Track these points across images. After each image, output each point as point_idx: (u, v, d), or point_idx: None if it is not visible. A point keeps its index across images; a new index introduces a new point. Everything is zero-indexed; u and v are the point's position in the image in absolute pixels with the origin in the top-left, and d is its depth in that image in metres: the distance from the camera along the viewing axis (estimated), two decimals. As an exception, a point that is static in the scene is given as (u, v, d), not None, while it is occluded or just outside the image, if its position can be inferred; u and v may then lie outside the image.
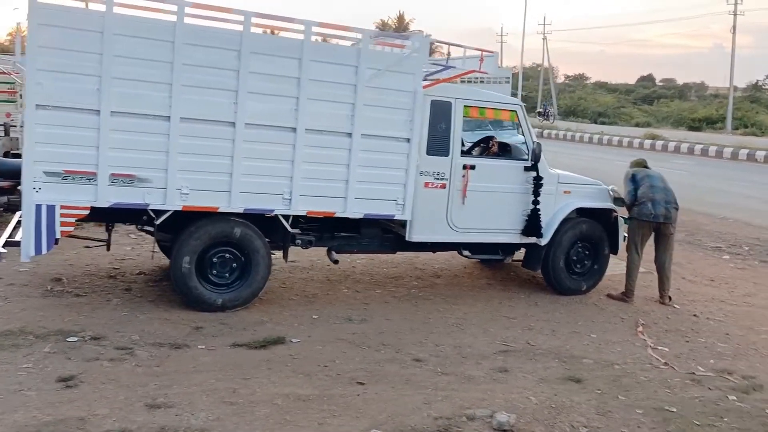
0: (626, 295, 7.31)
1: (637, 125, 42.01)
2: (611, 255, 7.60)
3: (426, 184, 6.61)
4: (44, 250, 5.34)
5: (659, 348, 5.88)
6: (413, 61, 6.25)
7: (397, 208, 6.40)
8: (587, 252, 7.49)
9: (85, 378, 4.36)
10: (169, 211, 5.70)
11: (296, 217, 6.36)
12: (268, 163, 5.89)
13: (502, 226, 7.02)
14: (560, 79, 72.63)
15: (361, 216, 6.33)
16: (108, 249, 6.43)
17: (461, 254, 7.13)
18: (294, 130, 5.90)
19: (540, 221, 7.06)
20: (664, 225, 7.11)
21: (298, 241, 6.46)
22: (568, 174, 7.59)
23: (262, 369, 4.70)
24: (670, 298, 7.34)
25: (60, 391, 4.18)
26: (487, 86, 17.89)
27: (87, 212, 5.42)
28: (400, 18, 77.87)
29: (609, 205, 7.40)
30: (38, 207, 5.26)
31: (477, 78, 17.97)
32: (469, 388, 4.66)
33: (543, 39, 58.79)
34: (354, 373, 4.76)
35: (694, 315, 7.00)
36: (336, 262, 6.83)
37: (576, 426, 4.20)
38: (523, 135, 7.07)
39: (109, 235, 6.37)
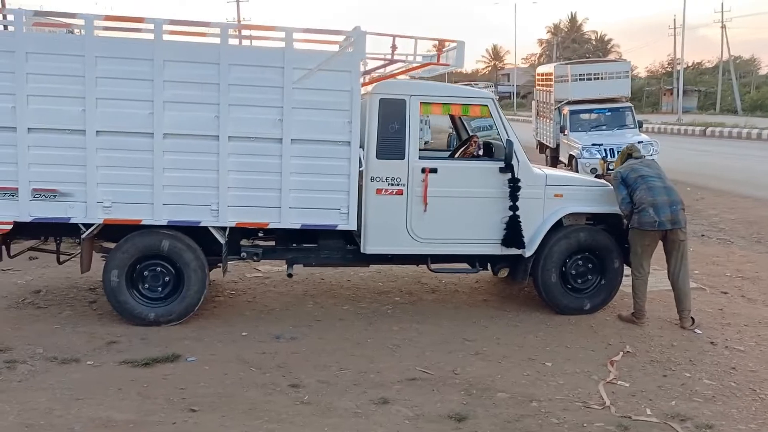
0: (636, 316, 6.16)
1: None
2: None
3: (378, 191, 6.05)
4: (-27, 263, 5.58)
5: (619, 383, 4.82)
6: (348, 58, 5.77)
7: (341, 218, 5.92)
8: (590, 265, 6.43)
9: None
10: (94, 224, 5.71)
11: (249, 230, 6.12)
12: (191, 174, 5.71)
13: (475, 236, 6.23)
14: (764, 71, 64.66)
15: (298, 227, 5.92)
16: (59, 262, 6.57)
17: (429, 268, 6.42)
18: (216, 137, 5.67)
19: (520, 229, 6.17)
20: (671, 231, 5.89)
21: (244, 254, 6.21)
22: (562, 174, 6.62)
23: (110, 389, 4.48)
24: (692, 320, 6.06)
25: None
26: (605, 82, 16.58)
27: (10, 227, 5.58)
28: (573, 19, 75.07)
29: (612, 209, 6.29)
30: (-37, 223, 5.51)
31: (594, 74, 16.77)
32: (310, 422, 4.09)
33: (722, 28, 53.45)
34: (202, 398, 4.38)
35: (711, 342, 5.71)
36: (290, 275, 6.47)
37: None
38: (497, 131, 6.23)
39: (58, 248, 6.50)
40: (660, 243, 6.04)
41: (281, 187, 5.79)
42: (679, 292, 6.07)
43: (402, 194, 6.07)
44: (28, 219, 5.58)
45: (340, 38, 5.96)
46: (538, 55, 74.16)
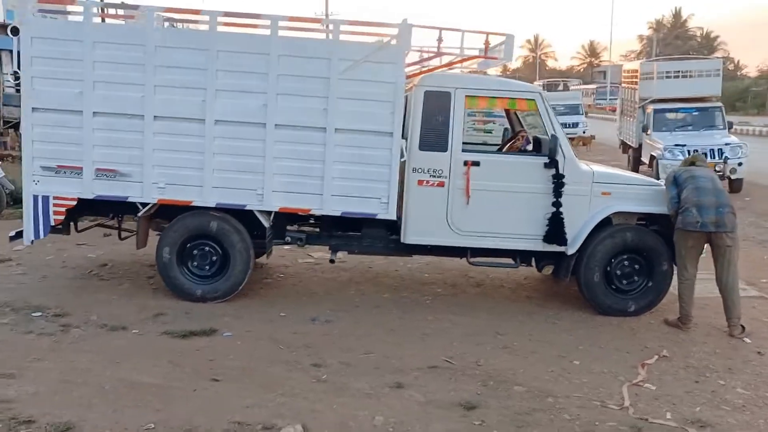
0: (681, 321, 5.95)
1: None
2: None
3: (420, 182, 6.12)
4: (41, 235, 6.07)
5: (646, 386, 4.71)
6: (393, 51, 5.87)
7: (381, 207, 6.04)
8: (637, 266, 6.26)
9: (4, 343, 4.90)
10: (149, 204, 6.09)
11: (295, 215, 6.34)
12: (239, 159, 5.98)
13: (516, 231, 6.19)
14: None
15: (338, 214, 6.09)
16: (120, 239, 7.00)
17: (468, 261, 6.43)
18: (264, 125, 5.91)
19: (563, 226, 6.10)
20: (716, 235, 5.65)
21: (288, 238, 6.43)
22: (611, 172, 6.45)
23: (146, 356, 4.80)
24: (743, 327, 5.80)
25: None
26: (693, 80, 15.88)
27: (74, 203, 6.03)
28: (677, 14, 71.86)
29: (662, 209, 6.09)
30: (35, 197, 6.00)
31: (681, 71, 16.07)
32: (321, 399, 4.24)
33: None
34: (226, 370, 4.62)
35: (759, 352, 5.45)
36: (332, 261, 6.65)
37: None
38: (543, 126, 6.16)
39: (119, 225, 6.92)
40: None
41: (324, 175, 5.97)
42: (727, 300, 5.81)
43: (443, 186, 6.12)
44: (91, 196, 6.01)
45: (388, 30, 6.04)
46: (637, 52, 71.41)
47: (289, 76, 5.86)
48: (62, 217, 6.05)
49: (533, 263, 6.60)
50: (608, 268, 6.24)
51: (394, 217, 6.09)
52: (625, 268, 6.26)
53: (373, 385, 4.49)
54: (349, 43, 5.97)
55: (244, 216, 6.16)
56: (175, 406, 4.03)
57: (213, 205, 6.03)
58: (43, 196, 5.99)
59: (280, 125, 5.92)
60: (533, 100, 6.15)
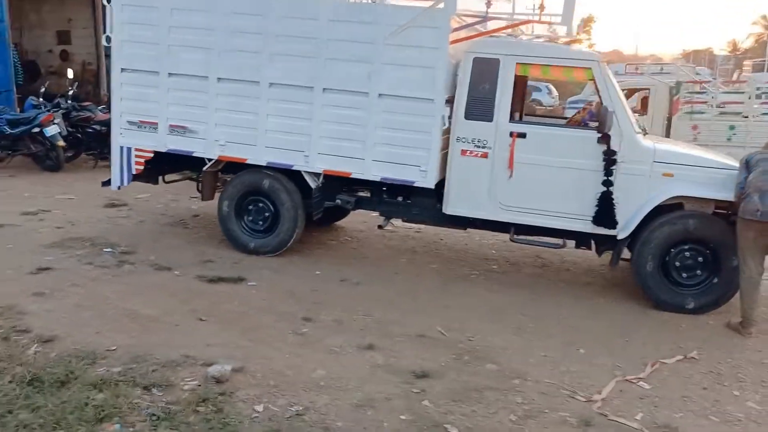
0: (742, 325, 5.23)
1: None
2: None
3: (463, 152, 5.96)
4: (125, 183, 6.84)
5: (640, 383, 4.24)
6: (437, 14, 5.73)
7: (420, 174, 5.99)
8: (701, 259, 5.57)
9: (56, 270, 5.66)
10: (212, 159, 6.59)
11: (348, 179, 6.50)
12: (288, 121, 6.24)
13: (563, 210, 5.80)
14: None
15: (378, 179, 6.13)
16: (198, 191, 7.53)
17: (511, 239, 6.13)
18: (312, 89, 6.11)
19: (613, 208, 5.62)
20: (781, 228, 4.85)
21: (338, 201, 6.59)
22: (677, 150, 5.74)
23: (163, 293, 5.26)
24: (815, 340, 4.97)
25: (32, 274, 5.54)
26: None
27: (152, 155, 6.69)
28: None
29: (730, 196, 5.34)
30: (121, 148, 6.77)
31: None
32: (281, 348, 4.38)
33: None
34: (220, 313, 4.94)
35: (818, 370, 4.64)
36: (380, 227, 6.71)
37: (292, 405, 3.64)
38: (600, 97, 5.67)
39: (198, 180, 7.45)
40: None
41: (365, 140, 6.04)
42: (796, 304, 4.99)
43: (487, 157, 5.90)
44: (164, 149, 6.64)
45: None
46: None
47: (337, 41, 5.98)
48: (141, 167, 6.76)
49: (593, 247, 6.15)
50: (666, 259, 5.63)
51: (433, 186, 6.00)
52: (686, 260, 5.60)
53: (343, 344, 4.54)
54: (394, 7, 5.94)
55: (295, 176, 6.43)
56: (149, 335, 4.43)
57: (264, 163, 6.37)
58: (127, 148, 6.75)
59: (327, 89, 6.08)
60: (590, 68, 5.67)
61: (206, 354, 4.16)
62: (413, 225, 7.66)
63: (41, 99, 10.91)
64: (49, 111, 10.35)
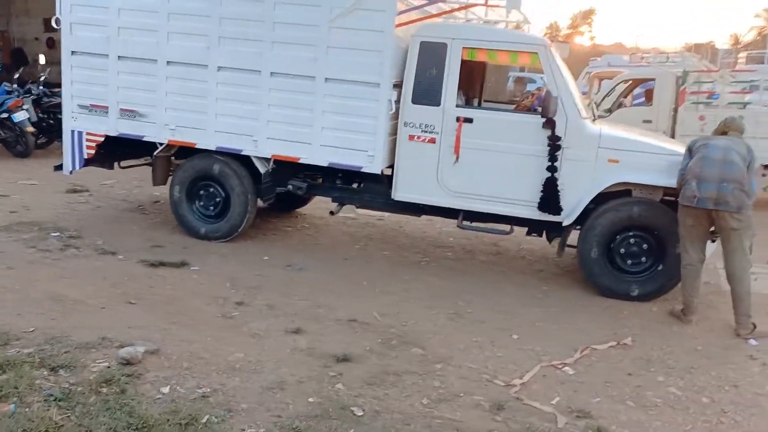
0: (683, 312, 5.18)
1: None
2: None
3: (411, 137, 5.90)
4: (77, 167, 6.79)
5: (564, 369, 4.20)
6: (383, -3, 5.66)
7: (367, 159, 5.93)
8: (645, 245, 5.52)
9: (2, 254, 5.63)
10: (163, 144, 6.54)
11: (301, 165, 6.44)
12: (237, 105, 6.19)
13: (510, 196, 5.75)
14: None
15: (326, 164, 6.07)
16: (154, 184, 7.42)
17: (458, 225, 6.08)
18: (259, 72, 6.05)
19: (557, 194, 5.58)
20: (717, 214, 4.78)
21: (290, 186, 6.53)
22: (624, 136, 5.67)
23: (98, 277, 5.21)
24: (753, 326, 4.91)
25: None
26: None
27: (102, 139, 6.64)
28: None
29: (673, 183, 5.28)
30: (72, 132, 6.72)
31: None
32: (204, 330, 4.34)
33: None
34: (151, 296, 4.90)
35: (751, 357, 4.60)
36: (332, 213, 6.66)
37: (200, 387, 3.60)
38: (546, 82, 5.61)
39: (153, 165, 7.36)
40: None
41: (313, 124, 5.99)
42: (734, 292, 4.93)
43: (434, 143, 5.84)
44: (115, 134, 6.58)
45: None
46: None
47: (283, 24, 5.92)
48: (93, 152, 6.71)
49: (544, 234, 6.11)
50: (611, 246, 5.58)
51: (379, 171, 5.95)
52: (630, 247, 5.56)
53: (270, 328, 4.50)
54: (340, -10, 5.86)
55: (246, 161, 6.38)
56: (71, 318, 4.39)
57: (213, 148, 6.32)
58: (78, 132, 6.70)
59: (274, 73, 6.02)
60: (536, 53, 5.61)
61: (125, 336, 4.12)
62: (375, 213, 7.63)
63: (15, 85, 10.86)
64: (18, 97, 10.30)
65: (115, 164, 7.29)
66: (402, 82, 5.88)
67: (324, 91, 5.90)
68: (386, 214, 7.51)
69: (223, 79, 6.17)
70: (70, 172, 6.88)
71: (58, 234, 6.33)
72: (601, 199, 5.61)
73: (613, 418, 3.63)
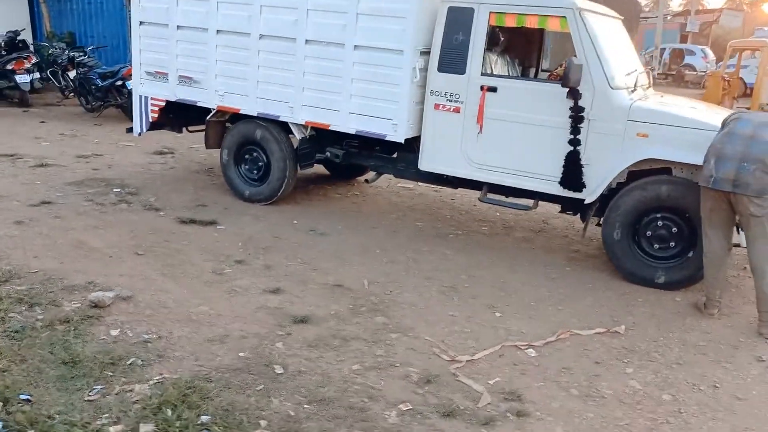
0: (705, 306, 4.69)
1: None
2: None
3: (436, 106, 5.77)
4: (144, 130, 7.35)
5: (527, 351, 3.98)
6: (409, -38, 5.54)
7: (392, 128, 5.88)
8: (675, 229, 5.03)
9: (55, 204, 6.25)
10: (214, 109, 6.88)
11: (340, 133, 6.52)
12: (275, 72, 6.37)
13: (533, 169, 5.46)
14: None
15: (353, 132, 6.09)
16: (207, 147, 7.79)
17: (479, 198, 5.85)
18: (294, 40, 6.18)
19: (579, 169, 5.23)
20: (735, 197, 4.23)
21: (328, 154, 6.63)
22: (656, 108, 5.13)
23: (126, 229, 5.66)
24: (775, 325, 4.35)
25: (33, 206, 6.16)
26: None
27: (164, 104, 7.12)
28: None
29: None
30: (140, 97, 7.27)
31: None
32: (189, 283, 4.59)
33: None
34: (160, 248, 5.23)
35: (759, 359, 4.08)
36: (367, 181, 6.67)
37: (148, 333, 3.82)
38: (574, 48, 5.22)
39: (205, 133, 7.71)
40: None
41: (342, 92, 6.03)
42: (757, 287, 4.37)
43: (458, 112, 5.67)
44: (174, 99, 7.03)
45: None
46: None
47: (316, -8, 5.99)
48: (156, 116, 7.22)
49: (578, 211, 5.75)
50: (637, 227, 5.15)
51: (402, 140, 5.87)
52: (658, 230, 5.08)
53: (250, 286, 4.67)
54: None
55: (287, 127, 6.56)
56: (77, 263, 4.81)
57: (255, 114, 6.56)
58: (145, 97, 7.23)
59: (309, 41, 6.12)
60: (564, 17, 5.24)
61: (110, 282, 4.47)
62: (424, 186, 7.57)
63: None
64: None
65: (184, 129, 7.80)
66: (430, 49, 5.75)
67: (353, 58, 5.91)
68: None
69: (263, 46, 6.36)
70: (139, 134, 7.45)
71: (118, 190, 6.91)
72: (638, 177, 5.18)
73: (544, 404, 3.41)
